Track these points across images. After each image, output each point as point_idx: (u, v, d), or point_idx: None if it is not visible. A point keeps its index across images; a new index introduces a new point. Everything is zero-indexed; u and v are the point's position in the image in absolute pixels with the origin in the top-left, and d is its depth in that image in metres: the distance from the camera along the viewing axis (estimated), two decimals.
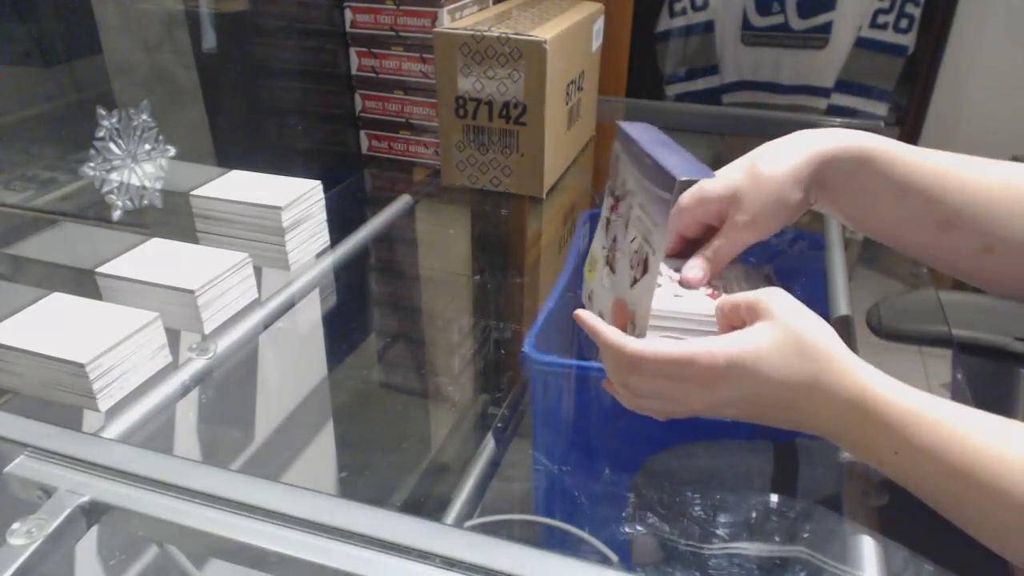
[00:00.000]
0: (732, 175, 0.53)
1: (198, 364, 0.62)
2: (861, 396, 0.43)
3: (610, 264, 0.56)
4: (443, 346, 1.02)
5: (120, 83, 0.73)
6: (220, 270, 0.65)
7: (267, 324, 0.69)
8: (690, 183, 0.50)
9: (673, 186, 0.46)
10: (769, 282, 0.55)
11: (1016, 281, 0.52)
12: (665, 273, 0.52)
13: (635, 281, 0.51)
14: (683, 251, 0.55)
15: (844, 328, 0.67)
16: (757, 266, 0.58)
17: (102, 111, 0.68)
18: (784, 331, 0.44)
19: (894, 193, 0.53)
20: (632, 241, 0.52)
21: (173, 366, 0.61)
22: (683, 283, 0.52)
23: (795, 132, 0.55)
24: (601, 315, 0.54)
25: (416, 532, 0.41)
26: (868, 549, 0.45)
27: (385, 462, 0.90)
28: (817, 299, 0.64)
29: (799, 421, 0.46)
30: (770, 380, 0.44)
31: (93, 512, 0.44)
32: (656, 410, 0.50)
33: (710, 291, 0.51)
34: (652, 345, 0.46)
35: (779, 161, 0.52)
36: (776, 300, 0.46)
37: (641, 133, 0.53)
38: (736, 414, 0.47)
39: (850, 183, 0.53)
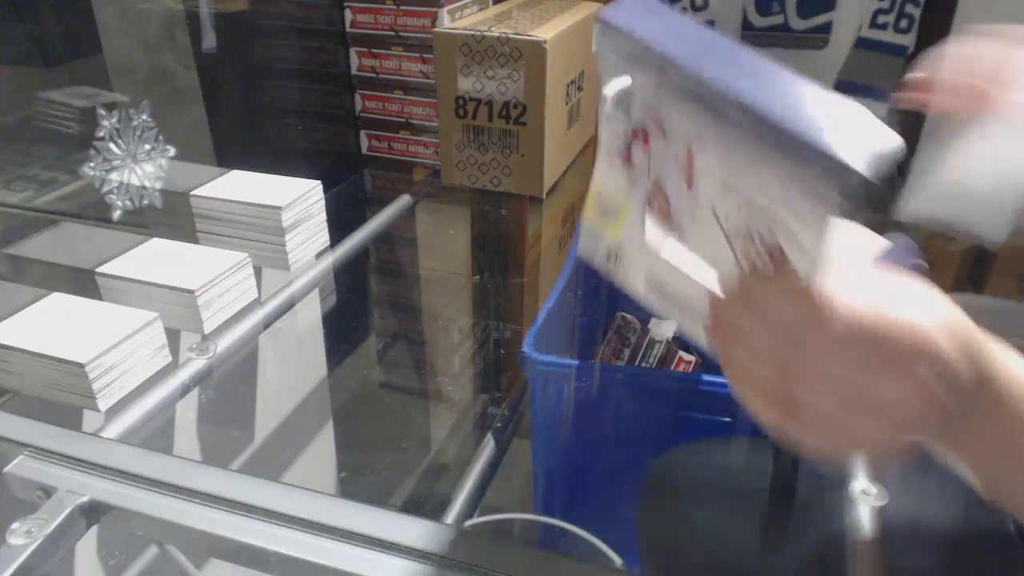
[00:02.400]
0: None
1: (198, 364, 0.61)
2: (992, 368, 0.34)
3: (667, 217, 0.38)
4: (443, 346, 1.02)
5: (120, 83, 0.73)
6: (220, 270, 0.65)
7: (267, 324, 0.69)
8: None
9: (836, 179, 0.27)
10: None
11: None
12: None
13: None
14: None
15: None
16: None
17: (102, 111, 0.68)
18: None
19: None
20: (727, 218, 0.33)
21: (173, 366, 0.61)
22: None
23: None
24: (661, 283, 0.39)
25: (416, 532, 0.41)
26: (868, 548, 0.45)
27: (385, 462, 0.90)
28: None
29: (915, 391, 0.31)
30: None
31: (93, 512, 0.44)
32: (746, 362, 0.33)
33: None
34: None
35: None
36: None
37: (649, 28, 0.32)
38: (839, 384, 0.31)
39: None
